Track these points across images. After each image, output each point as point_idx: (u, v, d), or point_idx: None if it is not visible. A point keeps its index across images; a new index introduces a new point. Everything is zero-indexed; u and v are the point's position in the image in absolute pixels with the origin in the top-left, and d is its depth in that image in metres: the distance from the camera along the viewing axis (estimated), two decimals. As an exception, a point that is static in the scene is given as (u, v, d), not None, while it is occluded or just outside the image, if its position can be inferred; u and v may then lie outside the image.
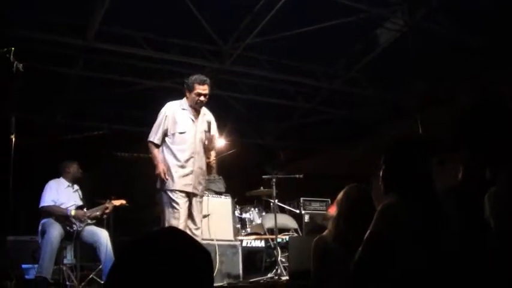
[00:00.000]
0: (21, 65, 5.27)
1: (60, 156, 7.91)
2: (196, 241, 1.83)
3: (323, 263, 4.09)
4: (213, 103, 6.52)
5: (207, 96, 6.23)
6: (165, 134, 6.22)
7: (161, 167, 6.04)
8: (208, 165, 6.85)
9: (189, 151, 6.15)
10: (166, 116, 6.24)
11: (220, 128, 6.52)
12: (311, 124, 12.10)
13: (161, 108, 6.37)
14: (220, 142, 9.57)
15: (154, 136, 6.22)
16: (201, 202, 6.37)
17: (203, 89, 6.16)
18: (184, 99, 6.33)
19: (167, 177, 6.01)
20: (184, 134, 6.17)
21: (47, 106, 10.21)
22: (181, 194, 6.04)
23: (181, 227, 5.77)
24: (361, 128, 11.51)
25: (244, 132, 12.48)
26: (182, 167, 6.10)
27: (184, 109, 6.29)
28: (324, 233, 4.23)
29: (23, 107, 6.04)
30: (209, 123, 6.30)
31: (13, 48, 5.26)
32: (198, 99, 6.17)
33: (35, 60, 7.71)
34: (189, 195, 6.13)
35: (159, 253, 1.67)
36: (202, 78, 6.21)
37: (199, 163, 6.25)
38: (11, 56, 5.23)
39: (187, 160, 6.13)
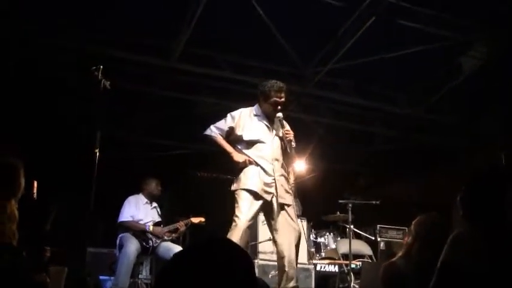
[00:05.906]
0: (108, 82, 5.46)
1: (141, 173, 8.09)
2: (239, 256, 1.79)
3: None
4: (294, 126, 6.01)
5: (284, 104, 5.62)
6: (235, 140, 5.62)
7: (240, 156, 5.47)
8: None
9: (269, 159, 5.47)
10: (233, 117, 5.64)
11: (301, 151, 6.22)
12: (391, 150, 11.92)
13: None
14: (301, 166, 9.55)
15: (216, 130, 5.65)
16: (290, 214, 5.43)
17: (280, 97, 5.52)
18: (257, 105, 5.71)
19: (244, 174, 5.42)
20: (260, 141, 5.52)
21: (128, 123, 10.44)
22: (255, 198, 5.34)
23: (239, 234, 5.14)
24: (441, 156, 11.26)
25: (325, 156, 12.41)
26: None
27: (257, 115, 5.66)
28: (395, 259, 4.16)
29: (107, 123, 6.22)
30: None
31: (101, 66, 5.47)
32: (274, 109, 5.55)
33: (120, 78, 7.97)
34: (271, 205, 5.40)
35: (194, 267, 1.70)
36: (279, 85, 5.53)
37: (280, 171, 5.53)
38: (99, 74, 5.43)
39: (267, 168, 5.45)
